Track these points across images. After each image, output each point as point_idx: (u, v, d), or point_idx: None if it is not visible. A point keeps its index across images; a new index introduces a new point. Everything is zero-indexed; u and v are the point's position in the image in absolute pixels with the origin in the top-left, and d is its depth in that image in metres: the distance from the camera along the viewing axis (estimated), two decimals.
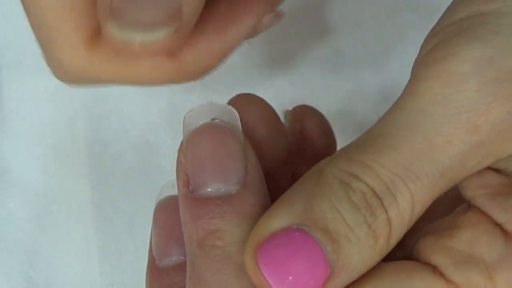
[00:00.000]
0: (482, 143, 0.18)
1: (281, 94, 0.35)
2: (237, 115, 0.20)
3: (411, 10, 0.36)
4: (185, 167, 0.19)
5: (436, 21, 0.20)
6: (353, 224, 0.17)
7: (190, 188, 0.19)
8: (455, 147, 0.18)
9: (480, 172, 0.19)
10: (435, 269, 0.19)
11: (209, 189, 0.19)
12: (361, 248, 0.17)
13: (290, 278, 0.17)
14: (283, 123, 0.24)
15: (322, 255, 0.17)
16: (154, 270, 0.21)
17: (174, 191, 0.21)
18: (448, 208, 0.21)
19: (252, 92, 0.30)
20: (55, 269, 0.33)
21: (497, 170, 0.19)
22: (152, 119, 0.34)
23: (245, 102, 0.23)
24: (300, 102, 0.30)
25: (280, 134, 0.23)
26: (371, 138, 0.18)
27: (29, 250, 0.33)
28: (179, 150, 0.20)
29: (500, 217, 0.19)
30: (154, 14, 0.18)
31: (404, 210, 0.18)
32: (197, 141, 0.19)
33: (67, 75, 0.22)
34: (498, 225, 0.19)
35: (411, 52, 0.20)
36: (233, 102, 0.23)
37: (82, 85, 0.23)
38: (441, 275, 0.19)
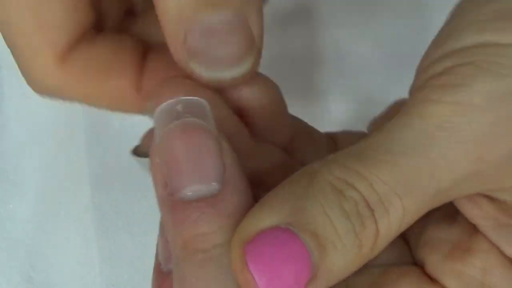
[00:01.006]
0: (481, 173, 0.18)
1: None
2: (209, 107, 0.19)
3: None
4: (161, 168, 0.19)
5: None
6: (341, 232, 0.17)
7: (168, 191, 0.18)
8: (456, 173, 0.18)
9: (473, 200, 0.20)
10: None
11: (188, 192, 0.18)
12: (346, 255, 0.17)
13: (277, 276, 0.17)
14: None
15: (307, 258, 0.17)
16: (159, 274, 0.21)
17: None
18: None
19: None
20: (55, 269, 0.33)
21: (487, 197, 0.20)
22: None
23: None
24: (301, 102, 0.30)
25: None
26: (371, 150, 0.18)
27: (29, 250, 0.33)
28: (152, 150, 0.19)
29: (508, 251, 0.19)
30: (236, 49, 0.19)
31: (394, 223, 0.18)
32: (169, 141, 0.18)
33: (40, 89, 0.22)
34: (507, 257, 0.19)
35: None
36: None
37: (57, 99, 0.23)
38: None
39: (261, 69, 0.21)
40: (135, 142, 0.35)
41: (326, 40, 0.36)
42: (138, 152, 0.22)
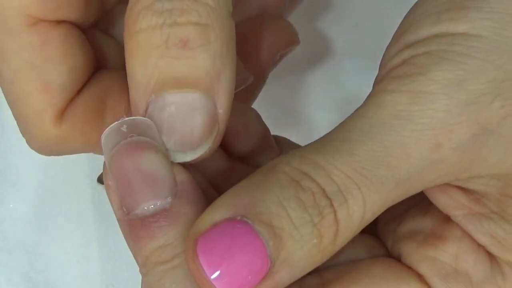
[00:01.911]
0: (444, 161, 0.18)
1: (282, 92, 0.35)
2: (153, 125, 0.19)
3: None
4: (114, 190, 0.19)
5: None
6: (297, 222, 0.17)
7: (124, 210, 0.19)
8: (414, 160, 0.18)
9: (446, 192, 0.20)
10: (420, 278, 0.19)
11: (143, 208, 0.18)
12: (304, 245, 0.17)
13: (229, 268, 0.17)
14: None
15: (263, 249, 0.17)
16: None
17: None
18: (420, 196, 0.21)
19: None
20: (55, 269, 0.33)
21: (459, 188, 0.20)
22: None
23: None
24: (299, 104, 0.30)
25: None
26: (329, 141, 0.18)
27: (29, 250, 0.33)
28: (104, 173, 0.19)
29: (480, 240, 0.19)
30: (196, 134, 0.18)
31: (354, 213, 0.18)
32: (118, 163, 0.19)
33: (42, 149, 0.22)
34: (481, 246, 0.19)
35: None
36: None
37: (58, 154, 0.23)
38: (427, 284, 0.19)
39: None
40: None
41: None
42: (102, 179, 0.22)
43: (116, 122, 0.19)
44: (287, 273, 0.18)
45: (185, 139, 0.18)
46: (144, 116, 0.18)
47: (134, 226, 0.19)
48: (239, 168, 0.24)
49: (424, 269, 0.19)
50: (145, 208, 0.18)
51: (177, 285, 0.18)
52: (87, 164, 0.34)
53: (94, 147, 0.21)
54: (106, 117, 0.21)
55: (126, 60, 0.18)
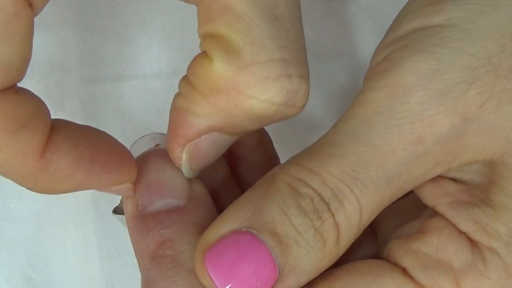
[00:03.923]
0: (428, 153, 0.18)
1: None
2: None
3: None
4: (132, 190, 0.20)
5: None
6: (301, 228, 0.18)
7: (139, 208, 0.20)
8: (400, 156, 0.18)
9: (436, 181, 0.20)
10: (404, 271, 0.20)
11: (157, 205, 0.20)
12: (310, 251, 0.18)
13: (238, 279, 0.17)
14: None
15: (270, 258, 0.17)
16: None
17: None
18: (413, 211, 0.21)
19: None
20: (55, 269, 0.33)
21: (452, 179, 0.20)
22: (152, 119, 0.34)
23: None
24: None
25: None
26: (320, 145, 0.19)
27: (29, 250, 0.33)
28: None
29: (463, 226, 0.19)
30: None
31: (351, 215, 0.18)
32: (143, 165, 0.20)
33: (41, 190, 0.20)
34: (463, 233, 0.19)
35: None
36: None
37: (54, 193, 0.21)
38: (410, 277, 0.19)
39: None
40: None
41: None
42: (118, 211, 0.24)
43: (145, 135, 0.21)
44: (295, 280, 0.18)
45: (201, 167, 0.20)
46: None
47: (146, 220, 0.20)
48: (239, 177, 0.24)
49: (406, 261, 0.20)
50: (159, 205, 0.20)
51: (183, 280, 0.18)
52: None
53: (80, 186, 0.20)
54: None
55: None
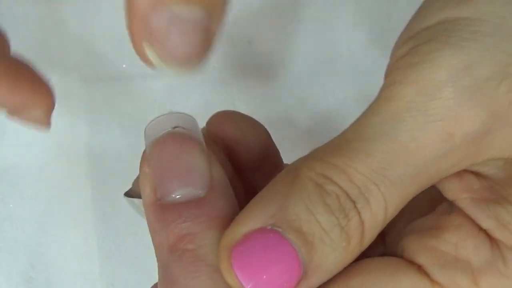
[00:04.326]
0: (456, 149, 0.18)
1: (282, 93, 0.35)
2: (197, 123, 0.20)
3: None
4: (150, 176, 0.19)
5: None
6: (327, 226, 0.17)
7: (158, 196, 0.19)
8: (428, 153, 0.18)
9: (459, 175, 0.20)
10: (420, 268, 0.19)
11: (177, 195, 0.19)
12: (335, 249, 0.17)
13: (264, 278, 0.17)
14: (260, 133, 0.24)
15: (296, 256, 0.17)
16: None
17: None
18: (427, 205, 0.21)
19: (252, 91, 0.30)
20: (55, 269, 0.33)
21: (475, 174, 0.20)
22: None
23: (223, 119, 0.23)
24: (301, 101, 0.30)
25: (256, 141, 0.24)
26: (346, 142, 0.18)
27: (29, 250, 0.33)
28: (142, 161, 0.20)
29: (484, 223, 0.19)
30: (192, 49, 0.18)
31: (377, 213, 0.18)
32: (161, 149, 0.19)
33: None
34: (482, 230, 0.19)
35: None
36: (213, 120, 0.23)
37: None
38: (426, 274, 0.19)
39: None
40: (135, 141, 0.35)
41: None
42: (130, 194, 0.23)
43: (163, 115, 0.19)
44: (319, 279, 0.18)
45: (183, 53, 0.18)
46: (145, 25, 0.17)
47: (166, 211, 0.19)
48: (244, 178, 0.24)
49: (423, 259, 0.19)
50: (179, 195, 0.19)
51: (205, 276, 0.18)
52: (87, 164, 0.34)
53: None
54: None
55: None
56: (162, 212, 0.19)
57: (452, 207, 0.20)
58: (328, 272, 0.18)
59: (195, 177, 0.19)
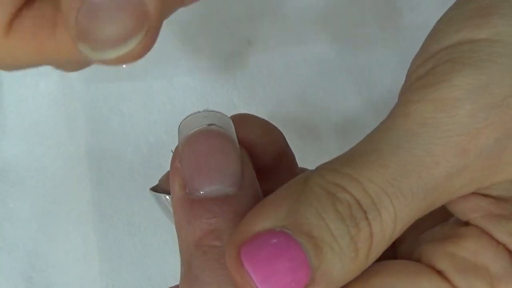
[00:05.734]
0: (469, 167, 0.18)
1: (282, 93, 0.35)
2: (232, 123, 0.20)
3: None
4: (180, 172, 0.19)
5: None
6: (337, 234, 0.17)
7: (187, 191, 0.19)
8: (442, 168, 0.18)
9: (465, 198, 0.20)
10: (439, 273, 0.19)
11: (207, 191, 0.19)
12: (343, 259, 0.17)
13: (275, 276, 0.17)
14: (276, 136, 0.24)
15: (304, 259, 0.17)
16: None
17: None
18: (439, 217, 0.21)
19: (252, 91, 0.30)
20: (55, 269, 0.33)
21: (479, 193, 0.20)
22: (152, 119, 0.34)
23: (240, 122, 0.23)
24: (301, 101, 0.30)
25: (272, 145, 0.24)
26: (359, 154, 0.18)
27: (29, 250, 0.33)
28: (174, 156, 0.20)
29: (501, 238, 0.19)
30: (122, 27, 0.17)
31: (387, 226, 0.18)
32: (194, 145, 0.19)
33: None
34: (501, 244, 0.19)
35: None
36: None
37: (8, 69, 0.22)
38: (447, 279, 0.19)
39: None
40: (134, 141, 0.35)
41: None
42: (157, 189, 0.23)
43: (198, 112, 0.20)
44: (325, 286, 0.18)
45: (113, 35, 0.17)
46: (74, 27, 0.17)
47: (194, 206, 0.19)
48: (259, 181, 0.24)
49: (443, 264, 0.19)
50: (209, 191, 0.19)
51: (227, 273, 0.18)
52: (87, 164, 0.34)
53: (44, 60, 0.20)
54: (56, 33, 0.20)
55: None
56: (190, 207, 0.19)
57: (467, 223, 0.20)
58: (334, 282, 0.18)
59: (226, 175, 0.19)
